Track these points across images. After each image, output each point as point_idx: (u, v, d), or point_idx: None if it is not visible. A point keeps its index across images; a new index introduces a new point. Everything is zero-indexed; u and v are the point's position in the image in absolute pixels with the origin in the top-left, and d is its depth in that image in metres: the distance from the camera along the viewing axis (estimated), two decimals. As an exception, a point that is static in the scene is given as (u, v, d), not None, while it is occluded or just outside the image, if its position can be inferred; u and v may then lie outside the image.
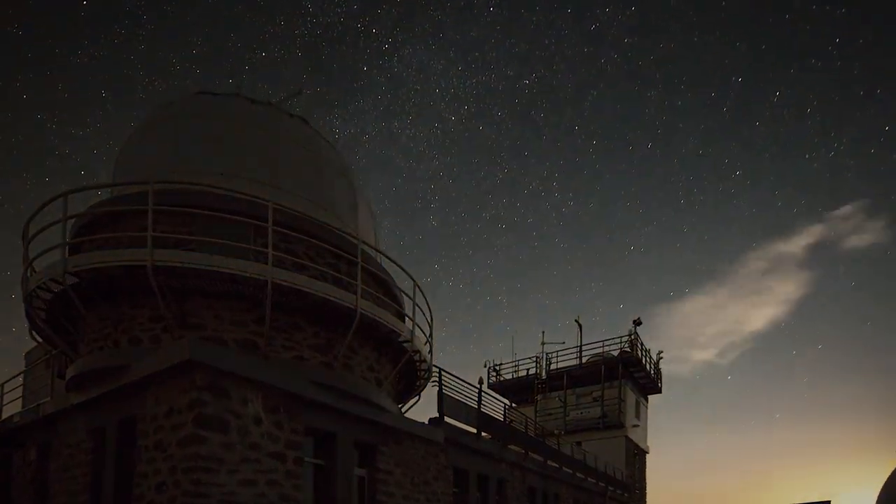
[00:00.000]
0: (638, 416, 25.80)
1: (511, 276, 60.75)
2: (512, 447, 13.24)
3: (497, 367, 27.67)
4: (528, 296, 59.47)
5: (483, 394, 11.88)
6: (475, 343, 62.62)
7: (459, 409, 10.92)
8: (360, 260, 7.84)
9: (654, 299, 58.25)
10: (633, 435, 24.84)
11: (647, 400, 27.59)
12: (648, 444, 27.66)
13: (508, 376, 27.40)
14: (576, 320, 26.13)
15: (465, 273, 59.57)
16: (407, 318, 9.30)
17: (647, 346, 26.12)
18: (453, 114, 50.77)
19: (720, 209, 53.42)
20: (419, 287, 8.90)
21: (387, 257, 8.87)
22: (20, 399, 10.57)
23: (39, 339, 8.08)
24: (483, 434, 11.77)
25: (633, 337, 24.16)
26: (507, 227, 57.32)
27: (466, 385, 11.16)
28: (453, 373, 10.29)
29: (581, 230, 59.07)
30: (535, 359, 26.54)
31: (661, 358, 27.31)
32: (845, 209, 48.53)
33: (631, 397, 24.86)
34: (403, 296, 9.66)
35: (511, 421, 13.70)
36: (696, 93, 49.32)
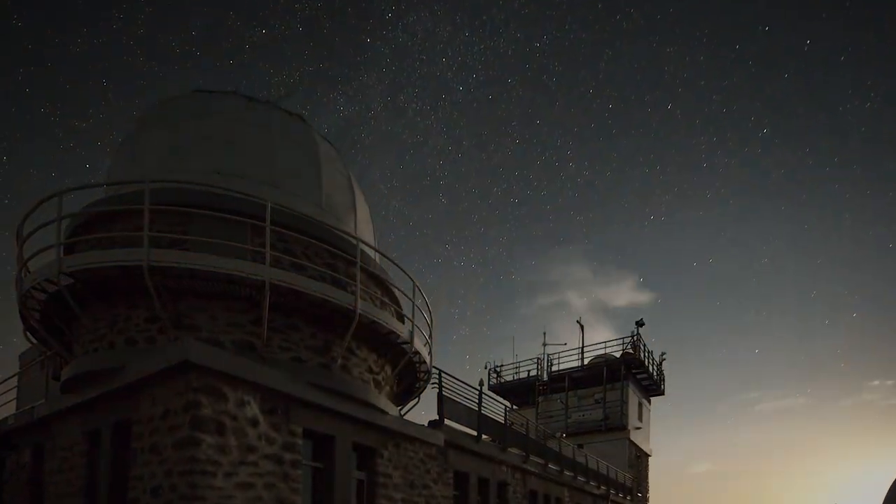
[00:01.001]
0: (640, 418, 25.64)
1: (524, 254, 58.78)
2: (513, 450, 13.12)
3: (498, 369, 27.56)
4: (543, 273, 57.62)
5: (483, 396, 11.78)
6: (488, 325, 60.69)
7: (459, 412, 10.83)
8: (358, 260, 7.75)
9: (674, 269, 55.92)
10: (636, 437, 24.68)
11: (649, 402, 27.43)
12: (651, 446, 27.48)
13: (509, 378, 27.27)
14: (577, 321, 26.03)
15: (477, 252, 57.56)
16: (406, 319, 9.20)
17: (650, 347, 25.98)
18: (461, 83, 48.07)
19: (746, 171, 50.07)
20: (419, 287, 8.81)
21: (386, 257, 8.78)
22: (14, 401, 10.50)
23: (34, 341, 8.01)
24: (483, 437, 11.66)
25: (635, 338, 24.03)
26: (519, 201, 55.01)
27: (466, 387, 11.06)
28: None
29: (597, 200, 56.57)
30: (536, 360, 26.43)
31: (664, 359, 27.17)
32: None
33: (633, 399, 24.71)
34: (403, 296, 9.57)
35: (512, 423, 13.59)
36: (718, 46, 45.22)
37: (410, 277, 8.69)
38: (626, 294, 54.61)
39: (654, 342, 50.45)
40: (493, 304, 60.46)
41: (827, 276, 53.76)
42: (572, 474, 17.13)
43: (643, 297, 54.89)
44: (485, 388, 14.66)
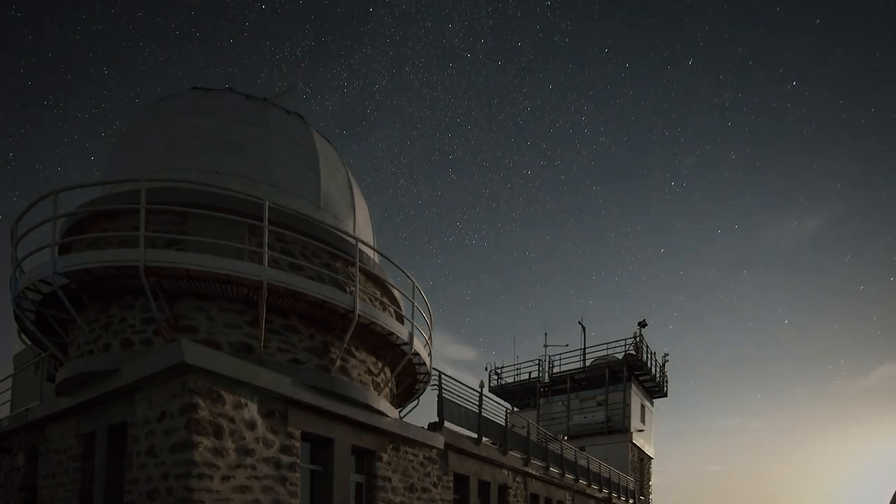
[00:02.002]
0: (643, 420, 25.49)
1: (540, 228, 56.02)
2: (513, 453, 13.01)
3: (498, 371, 27.45)
4: (559, 248, 55.19)
5: (484, 398, 11.68)
6: (502, 305, 58.45)
7: (460, 414, 10.73)
8: (357, 260, 7.66)
9: (697, 238, 51.89)
10: (638, 440, 24.53)
11: (652, 404, 27.29)
12: (654, 449, 27.33)
13: (510, 380, 27.16)
14: (579, 322, 25.92)
15: (490, 228, 55.48)
16: (406, 320, 9.11)
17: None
18: (468, 50, 45.39)
19: (776, 127, 46.04)
20: (419, 288, 8.72)
21: (385, 258, 8.68)
22: (8, 403, 10.41)
23: (28, 342, 7.92)
24: (484, 439, 11.56)
25: (638, 339, 23.92)
26: (532, 173, 52.72)
27: (467, 389, 10.97)
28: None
29: (614, 169, 52.14)
30: (537, 362, 26.32)
31: (667, 361, 27.05)
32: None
33: (636, 401, 24.58)
34: (403, 297, 9.47)
35: (513, 426, 13.48)
36: (741, -7, 39.75)
37: (410, 278, 8.60)
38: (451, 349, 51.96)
39: (675, 317, 48.14)
40: (506, 284, 58.25)
41: (862, 239, 49.91)
42: (574, 477, 17.01)
43: (468, 353, 52.34)
44: (485, 390, 14.58)
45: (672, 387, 28.74)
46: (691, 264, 53.09)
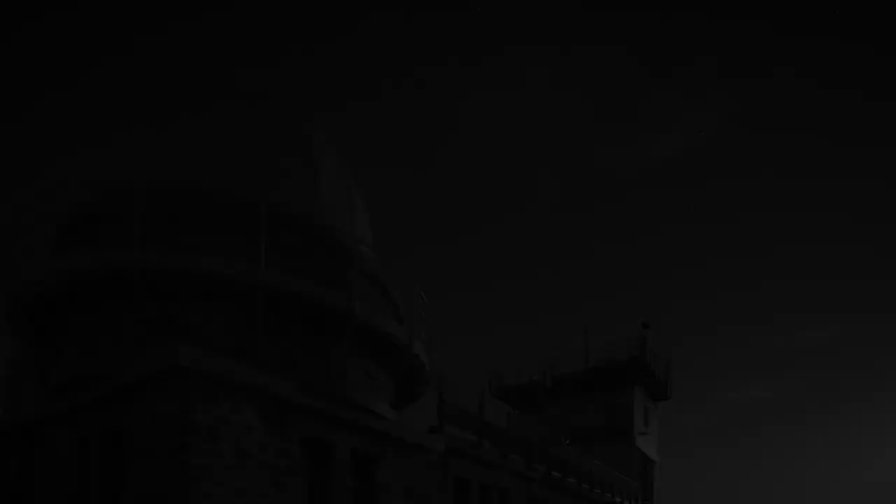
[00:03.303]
0: (647, 423, 25.28)
1: (555, 190, 53.40)
2: (514, 456, 12.91)
3: (499, 373, 27.32)
4: (576, 211, 53.35)
5: (484, 401, 11.58)
6: (513, 285, 56.26)
7: (460, 417, 10.63)
8: (356, 261, 7.61)
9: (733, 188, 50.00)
10: (642, 444, 24.34)
11: (656, 407, 27.07)
12: (658, 453, 27.11)
13: (511, 382, 26.99)
14: (581, 324, 25.73)
15: (505, 195, 53.03)
16: (405, 322, 9.04)
17: (656, 350, 25.61)
18: None
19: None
20: (418, 288, 8.67)
21: (384, 258, 8.65)
22: (2, 406, 10.34)
23: (22, 344, 7.88)
24: (485, 443, 11.46)
25: (641, 341, 23.76)
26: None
27: (467, 391, 10.88)
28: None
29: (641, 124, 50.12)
30: (538, 363, 26.16)
31: (671, 362, 26.85)
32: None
33: (639, 404, 24.39)
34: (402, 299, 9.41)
35: (514, 429, 13.38)
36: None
37: (409, 278, 8.55)
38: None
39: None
40: (523, 247, 55.67)
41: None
42: (576, 481, 16.88)
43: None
44: (486, 393, 14.53)
45: (676, 389, 28.53)
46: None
